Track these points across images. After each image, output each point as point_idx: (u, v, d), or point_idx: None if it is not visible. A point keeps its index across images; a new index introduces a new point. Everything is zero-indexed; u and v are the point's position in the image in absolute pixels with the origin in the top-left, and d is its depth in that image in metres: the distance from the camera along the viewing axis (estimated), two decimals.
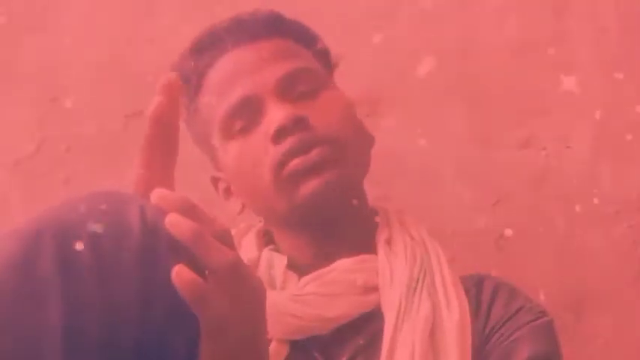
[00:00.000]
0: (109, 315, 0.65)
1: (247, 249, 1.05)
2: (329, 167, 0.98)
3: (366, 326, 0.99)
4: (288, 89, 1.01)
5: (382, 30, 1.36)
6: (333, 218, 1.01)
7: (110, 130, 1.35)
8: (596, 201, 1.26)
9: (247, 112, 1.01)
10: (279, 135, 0.98)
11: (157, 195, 0.70)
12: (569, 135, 1.29)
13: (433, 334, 0.96)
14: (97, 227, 0.67)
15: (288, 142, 0.98)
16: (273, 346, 0.97)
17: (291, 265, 1.03)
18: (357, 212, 1.03)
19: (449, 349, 0.95)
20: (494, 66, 1.32)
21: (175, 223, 0.68)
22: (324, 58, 1.09)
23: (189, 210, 0.69)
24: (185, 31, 1.37)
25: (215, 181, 1.09)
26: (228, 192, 1.08)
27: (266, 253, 1.05)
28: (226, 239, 0.71)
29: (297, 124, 0.98)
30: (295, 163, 0.97)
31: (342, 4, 1.37)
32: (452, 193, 1.28)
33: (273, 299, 0.96)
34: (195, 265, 0.68)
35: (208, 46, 1.05)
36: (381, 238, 1.03)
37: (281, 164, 0.98)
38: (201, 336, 0.70)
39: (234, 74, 1.02)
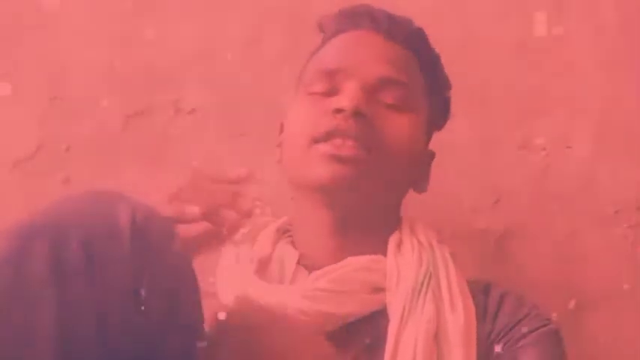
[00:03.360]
0: (102, 315, 0.66)
1: (262, 244, 1.06)
2: (353, 167, 0.99)
3: (372, 325, 1.00)
4: (378, 91, 1.03)
5: None
6: (348, 213, 1.02)
7: (110, 130, 1.35)
8: (595, 201, 1.26)
9: (332, 81, 1.04)
10: (337, 112, 1.00)
11: None
12: (568, 135, 1.29)
13: (437, 337, 0.97)
14: (88, 228, 0.68)
15: (339, 122, 1.00)
16: None
17: (303, 262, 1.04)
18: (382, 218, 1.05)
19: (453, 353, 0.96)
20: (495, 66, 1.32)
21: None
22: (438, 104, 1.11)
23: None
24: (185, 31, 1.38)
25: (281, 126, 1.12)
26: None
27: (279, 247, 1.06)
28: None
29: (357, 116, 1.00)
30: (329, 147, 1.00)
31: (343, 4, 1.37)
32: (452, 193, 1.28)
33: (282, 294, 0.98)
34: (183, 263, 0.70)
35: (356, 15, 1.09)
36: (393, 240, 1.05)
37: (320, 137, 1.01)
38: (196, 336, 0.71)
39: (353, 48, 1.07)
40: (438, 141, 1.25)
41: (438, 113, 1.12)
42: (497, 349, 1.00)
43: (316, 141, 1.01)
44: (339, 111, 1.00)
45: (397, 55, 1.06)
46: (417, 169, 1.09)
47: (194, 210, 0.81)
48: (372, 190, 1.01)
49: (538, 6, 1.33)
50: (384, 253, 1.04)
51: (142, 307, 0.67)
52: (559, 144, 1.29)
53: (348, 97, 1.01)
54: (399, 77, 1.05)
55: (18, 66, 1.40)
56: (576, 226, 1.26)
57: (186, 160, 1.32)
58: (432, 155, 1.13)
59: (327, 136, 1.00)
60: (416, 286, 0.99)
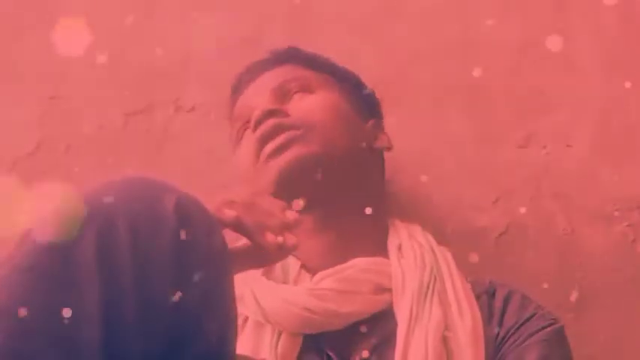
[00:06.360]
0: (145, 301, 0.66)
1: None
2: (295, 145, 1.04)
3: (378, 325, 1.01)
4: (280, 94, 1.11)
5: (382, 30, 1.36)
6: (330, 203, 1.06)
7: (110, 129, 1.35)
8: (595, 200, 1.26)
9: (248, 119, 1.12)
10: (255, 126, 1.08)
11: None
12: (569, 134, 1.29)
13: (446, 341, 0.98)
14: (134, 214, 0.68)
15: (261, 129, 1.07)
16: (285, 340, 1.00)
17: (304, 267, 1.06)
18: (369, 217, 1.06)
19: (463, 356, 0.96)
20: (495, 65, 1.32)
21: None
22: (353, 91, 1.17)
23: None
24: (185, 31, 1.38)
25: None
26: None
27: None
28: None
29: (270, 114, 1.07)
30: (268, 147, 1.05)
31: (343, 4, 1.38)
32: (452, 191, 1.28)
33: (287, 292, 1.00)
34: (224, 255, 0.72)
35: (244, 78, 1.18)
36: (393, 243, 1.07)
37: (257, 150, 1.07)
38: (232, 322, 0.72)
39: (251, 94, 1.15)
40: (439, 140, 1.26)
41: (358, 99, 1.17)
42: (504, 349, 1.00)
43: (256, 155, 1.07)
44: (255, 125, 1.08)
45: (280, 69, 1.15)
46: (359, 136, 1.12)
47: (231, 214, 0.82)
48: (325, 152, 1.05)
49: (539, 5, 1.33)
50: (383, 252, 1.06)
51: (185, 291, 0.68)
52: (559, 142, 1.29)
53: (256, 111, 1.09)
54: (285, 76, 1.13)
55: (18, 66, 1.40)
56: (576, 225, 1.26)
57: (187, 158, 1.32)
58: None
59: (262, 145, 1.06)
60: (422, 289, 1.01)
